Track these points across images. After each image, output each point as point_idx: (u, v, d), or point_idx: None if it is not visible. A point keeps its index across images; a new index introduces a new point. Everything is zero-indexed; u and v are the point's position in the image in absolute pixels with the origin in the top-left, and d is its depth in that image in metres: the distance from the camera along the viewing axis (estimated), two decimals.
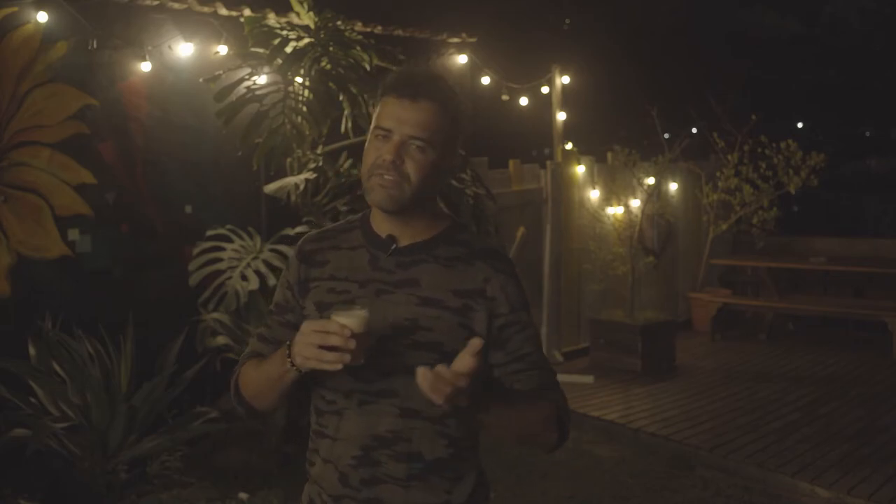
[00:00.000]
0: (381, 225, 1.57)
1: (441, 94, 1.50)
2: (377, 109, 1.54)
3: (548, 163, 6.80)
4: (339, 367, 1.35)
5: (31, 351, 3.90)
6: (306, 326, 1.38)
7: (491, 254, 1.58)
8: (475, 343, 1.28)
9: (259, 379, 1.57)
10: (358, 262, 1.56)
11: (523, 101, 6.73)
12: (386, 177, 1.47)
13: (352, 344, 1.33)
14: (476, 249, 1.57)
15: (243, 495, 3.93)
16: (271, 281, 4.35)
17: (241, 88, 4.20)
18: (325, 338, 1.34)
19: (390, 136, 1.48)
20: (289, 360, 1.42)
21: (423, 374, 1.27)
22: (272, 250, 4.52)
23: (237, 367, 1.66)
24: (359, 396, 1.51)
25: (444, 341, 1.48)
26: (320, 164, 4.42)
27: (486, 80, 6.40)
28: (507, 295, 1.54)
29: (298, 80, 4.23)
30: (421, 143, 1.47)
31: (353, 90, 4.20)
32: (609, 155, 7.34)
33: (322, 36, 4.24)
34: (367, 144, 1.54)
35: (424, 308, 1.50)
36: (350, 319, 1.35)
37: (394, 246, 1.54)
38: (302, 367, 1.40)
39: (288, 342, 1.44)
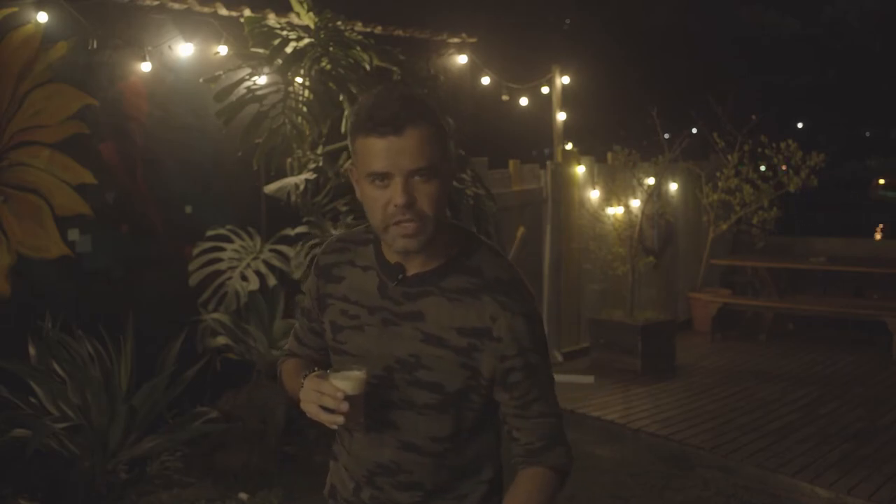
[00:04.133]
0: (390, 253, 1.51)
1: (421, 114, 1.37)
2: (357, 150, 1.41)
3: (548, 163, 6.80)
4: (335, 426, 1.42)
5: (31, 351, 3.90)
6: (308, 384, 1.44)
7: (502, 288, 1.46)
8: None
9: (291, 390, 1.65)
10: (369, 286, 1.53)
11: (523, 101, 6.74)
12: (405, 224, 1.37)
13: (344, 407, 1.38)
14: (487, 281, 1.46)
15: (243, 495, 3.93)
16: (271, 281, 4.35)
17: (242, 89, 4.20)
18: (321, 398, 1.39)
19: (390, 178, 1.36)
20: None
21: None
22: (272, 250, 4.52)
23: (281, 360, 1.77)
24: (365, 422, 1.53)
25: (445, 382, 1.46)
26: (320, 164, 4.42)
27: (486, 80, 6.40)
28: (514, 335, 1.44)
29: (298, 80, 4.23)
30: (424, 172, 1.36)
31: (353, 90, 4.19)
32: (609, 155, 7.34)
33: (322, 36, 4.24)
34: (360, 187, 1.44)
35: (428, 346, 1.46)
36: (346, 383, 1.40)
37: (400, 276, 1.48)
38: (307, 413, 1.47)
39: (303, 379, 1.48)
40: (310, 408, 1.42)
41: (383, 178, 1.37)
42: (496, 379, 1.47)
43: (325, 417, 1.39)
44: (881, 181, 17.09)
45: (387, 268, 1.50)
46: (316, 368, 1.51)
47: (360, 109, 1.40)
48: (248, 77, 4.24)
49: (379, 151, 1.35)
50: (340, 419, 1.38)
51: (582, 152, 7.08)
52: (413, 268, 1.48)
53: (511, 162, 6.53)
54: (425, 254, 1.46)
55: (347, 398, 1.38)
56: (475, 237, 1.55)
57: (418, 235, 1.39)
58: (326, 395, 1.38)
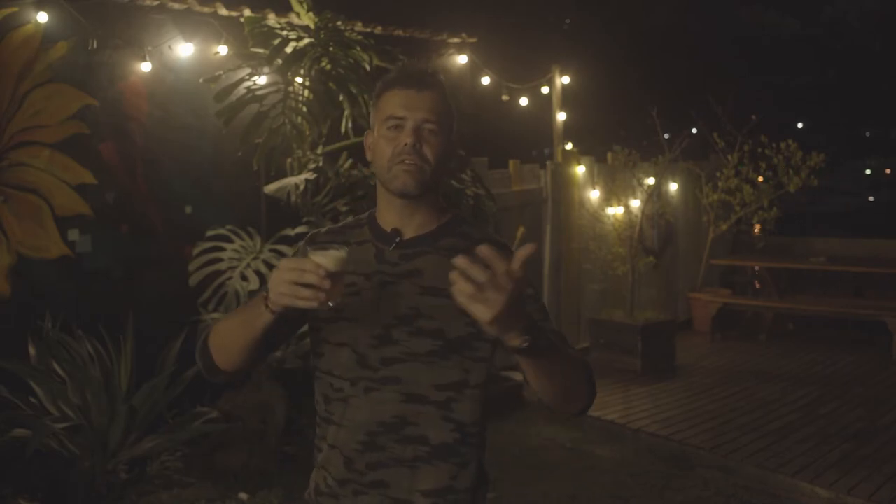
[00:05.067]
0: (387, 218, 1.62)
1: (440, 86, 1.61)
2: (380, 105, 1.61)
3: (548, 163, 6.80)
4: (315, 304, 1.35)
5: (31, 351, 3.90)
6: (283, 263, 1.39)
7: (490, 243, 1.57)
8: (527, 248, 1.23)
9: (230, 325, 1.57)
10: (365, 256, 1.61)
11: (523, 101, 6.74)
12: (408, 161, 1.54)
13: (326, 283, 1.34)
14: (476, 239, 1.58)
15: (243, 495, 3.93)
16: None
17: (241, 89, 4.21)
18: (302, 275, 1.35)
19: (404, 123, 1.56)
20: (265, 299, 1.42)
21: (459, 286, 1.19)
22: (272, 250, 4.52)
23: (212, 324, 1.66)
24: (365, 384, 1.55)
25: (446, 328, 1.52)
26: (320, 164, 4.42)
27: (486, 80, 6.40)
28: None
29: (298, 80, 4.24)
30: (432, 125, 1.56)
31: (353, 90, 4.20)
32: (609, 155, 7.34)
33: (322, 36, 4.24)
34: (375, 140, 1.61)
35: (426, 297, 1.54)
36: (326, 259, 1.37)
37: (398, 239, 1.60)
38: (277, 304, 1.40)
39: (266, 286, 1.43)
40: (285, 288, 1.35)
41: (398, 122, 1.56)
42: None
43: (305, 294, 1.34)
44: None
45: (384, 235, 1.62)
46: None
47: (390, 73, 1.64)
48: (248, 77, 4.25)
49: (399, 101, 1.58)
50: (322, 296, 1.34)
51: (582, 152, 7.07)
52: (409, 232, 1.61)
53: (511, 162, 6.53)
54: (420, 217, 1.61)
55: (329, 275, 1.34)
56: (462, 215, 1.72)
57: (418, 176, 1.55)
58: (308, 271, 1.34)
